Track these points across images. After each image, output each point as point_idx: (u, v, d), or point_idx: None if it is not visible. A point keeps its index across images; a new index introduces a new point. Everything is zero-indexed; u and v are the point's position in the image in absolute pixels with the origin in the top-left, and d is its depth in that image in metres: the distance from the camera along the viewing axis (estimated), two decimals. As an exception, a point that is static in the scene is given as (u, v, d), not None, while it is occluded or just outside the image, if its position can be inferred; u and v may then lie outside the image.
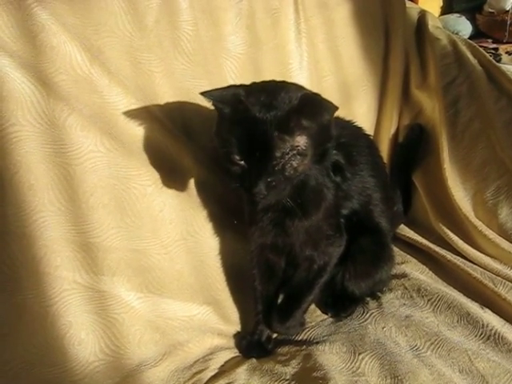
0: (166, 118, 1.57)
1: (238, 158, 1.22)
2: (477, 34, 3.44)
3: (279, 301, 1.61)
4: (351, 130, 1.66)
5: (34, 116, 1.34)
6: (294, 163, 1.22)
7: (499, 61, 3.09)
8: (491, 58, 2.13)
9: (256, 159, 1.20)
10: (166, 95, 1.60)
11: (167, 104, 1.59)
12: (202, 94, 1.27)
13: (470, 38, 3.31)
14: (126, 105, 1.48)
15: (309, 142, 1.22)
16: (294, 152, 1.21)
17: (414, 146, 2.08)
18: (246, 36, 1.75)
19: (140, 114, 1.50)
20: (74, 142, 1.39)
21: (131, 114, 1.49)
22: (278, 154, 1.19)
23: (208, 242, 1.63)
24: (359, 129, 1.70)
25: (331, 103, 1.22)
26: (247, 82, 1.36)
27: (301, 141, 1.21)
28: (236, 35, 1.73)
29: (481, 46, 3.10)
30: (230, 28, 1.72)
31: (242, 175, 1.23)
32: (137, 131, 1.50)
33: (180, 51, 1.62)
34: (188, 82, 1.64)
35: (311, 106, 1.22)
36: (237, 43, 1.73)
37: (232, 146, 1.21)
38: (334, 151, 1.40)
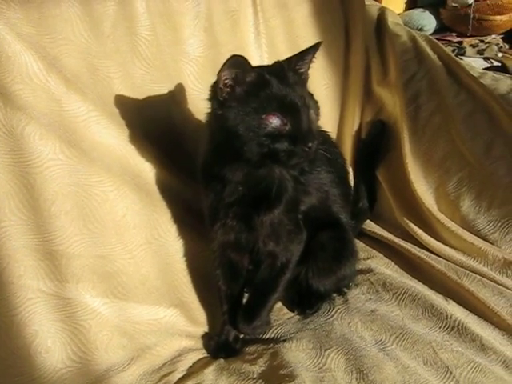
0: (126, 123, 1.57)
1: (281, 123, 1.25)
2: (441, 29, 3.48)
3: (244, 300, 1.62)
4: None
5: (-9, 126, 1.34)
6: (314, 115, 1.33)
7: (463, 54, 3.13)
8: (450, 53, 2.16)
9: (298, 116, 1.27)
10: (126, 100, 1.60)
11: (127, 109, 1.60)
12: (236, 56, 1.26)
13: (434, 33, 3.37)
14: (84, 112, 1.48)
15: None
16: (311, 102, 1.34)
17: (377, 142, 2.10)
18: (205, 39, 1.76)
19: (99, 120, 1.51)
20: (33, 150, 1.39)
21: (90, 121, 1.49)
22: (309, 103, 1.31)
23: (173, 245, 1.63)
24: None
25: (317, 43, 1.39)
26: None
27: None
28: (194, 38, 1.74)
29: (445, 40, 3.16)
30: (188, 31, 1.73)
31: (288, 144, 1.26)
32: (96, 138, 1.50)
33: (138, 56, 1.63)
34: (147, 87, 1.65)
35: (304, 52, 1.37)
36: (195, 46, 1.74)
37: (273, 114, 1.25)
38: None
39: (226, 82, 1.27)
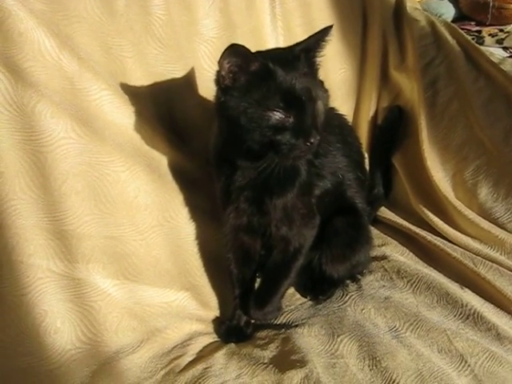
0: (138, 104, 1.55)
1: (285, 116, 1.22)
2: (460, 17, 3.43)
3: (256, 285, 1.61)
4: None
5: (2, 103, 1.33)
6: (322, 106, 1.28)
7: (482, 43, 3.08)
8: (470, 39, 2.12)
9: (302, 109, 1.23)
10: (139, 81, 1.59)
11: (140, 89, 1.58)
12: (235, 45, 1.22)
13: (453, 21, 3.30)
14: (97, 91, 1.47)
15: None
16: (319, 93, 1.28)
17: (394, 127, 2.07)
18: (220, 20, 1.74)
19: (112, 99, 1.49)
20: (44, 128, 1.38)
21: (103, 100, 1.48)
22: (317, 95, 1.26)
23: (184, 227, 1.62)
24: (331, 109, 1.68)
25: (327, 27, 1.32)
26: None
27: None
28: (209, 19, 1.72)
29: (464, 29, 3.11)
30: (202, 12, 1.70)
31: (290, 137, 1.23)
32: (108, 117, 1.49)
33: (152, 36, 1.61)
34: (161, 67, 1.63)
35: (315, 37, 1.31)
36: (210, 27, 1.72)
37: (276, 109, 1.22)
38: None
39: (229, 69, 1.24)
